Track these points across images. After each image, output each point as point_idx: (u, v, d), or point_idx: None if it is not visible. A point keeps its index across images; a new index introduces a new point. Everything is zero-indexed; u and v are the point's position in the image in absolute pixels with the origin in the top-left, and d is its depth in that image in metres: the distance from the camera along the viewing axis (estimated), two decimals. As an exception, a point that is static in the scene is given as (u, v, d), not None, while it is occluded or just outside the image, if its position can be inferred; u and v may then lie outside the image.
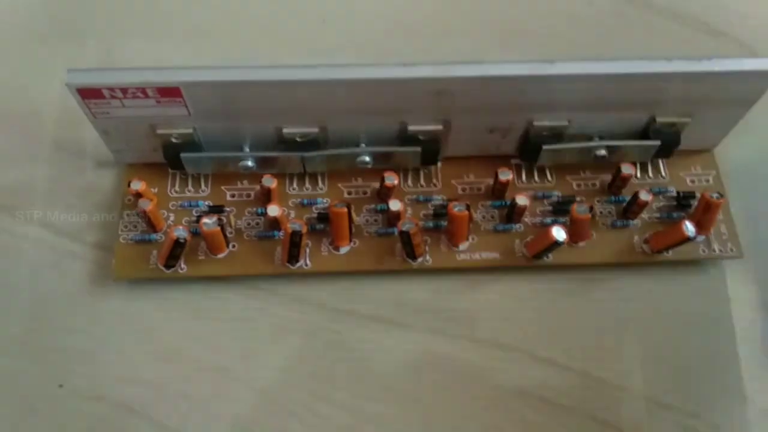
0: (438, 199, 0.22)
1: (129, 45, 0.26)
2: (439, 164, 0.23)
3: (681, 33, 0.27)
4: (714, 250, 0.21)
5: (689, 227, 0.20)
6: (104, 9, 0.27)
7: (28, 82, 0.25)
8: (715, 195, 0.20)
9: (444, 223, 0.21)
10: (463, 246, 0.21)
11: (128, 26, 0.27)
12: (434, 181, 0.22)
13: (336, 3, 0.27)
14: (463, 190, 0.22)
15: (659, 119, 0.21)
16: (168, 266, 0.20)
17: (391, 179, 0.21)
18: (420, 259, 0.21)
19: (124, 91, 0.19)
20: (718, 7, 0.27)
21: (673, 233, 0.20)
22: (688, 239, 0.20)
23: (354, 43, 0.26)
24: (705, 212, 0.21)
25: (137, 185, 0.21)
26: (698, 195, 0.21)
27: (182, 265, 0.21)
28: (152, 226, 0.21)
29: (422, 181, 0.22)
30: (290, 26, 0.27)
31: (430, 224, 0.22)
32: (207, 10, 0.27)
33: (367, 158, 0.21)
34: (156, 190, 0.22)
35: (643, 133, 0.21)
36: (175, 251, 0.20)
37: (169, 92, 0.19)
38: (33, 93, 0.25)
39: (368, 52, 0.26)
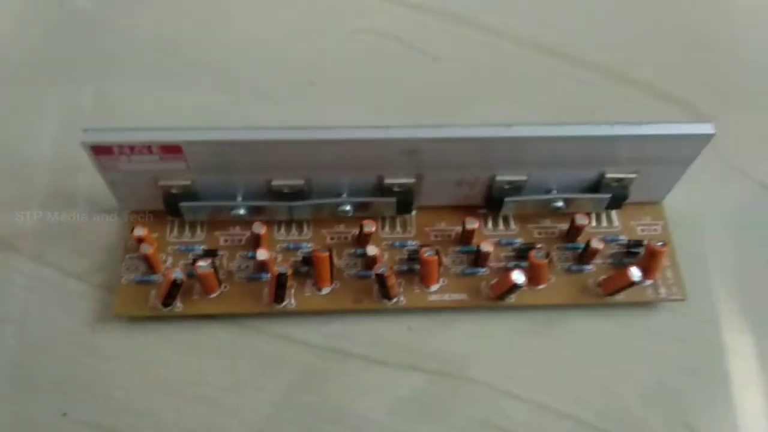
0: (412, 244, 0.24)
1: (123, 88, 0.28)
2: (414, 213, 0.25)
3: (635, 95, 0.29)
4: (660, 293, 0.24)
5: (635, 273, 0.22)
6: (98, 52, 0.30)
7: (29, 126, 0.27)
8: (658, 244, 0.23)
9: (417, 266, 0.24)
10: (434, 287, 0.24)
11: (121, 69, 0.29)
12: (409, 228, 0.25)
13: (323, 68, 0.30)
14: (435, 236, 0.25)
15: (608, 175, 0.23)
16: (165, 305, 0.23)
17: (369, 227, 0.23)
18: (394, 299, 0.23)
19: (131, 148, 0.21)
20: (667, 71, 0.30)
21: (621, 278, 0.23)
22: (633, 284, 0.22)
23: (338, 104, 0.28)
24: (650, 259, 0.23)
25: (140, 231, 0.23)
26: (645, 243, 0.24)
27: (178, 304, 0.23)
28: (152, 268, 0.23)
29: (398, 228, 0.25)
30: (280, 86, 0.29)
31: (405, 267, 0.24)
32: (200, 60, 0.30)
33: (348, 207, 0.24)
34: (156, 234, 0.24)
35: (595, 187, 0.24)
36: (173, 291, 0.22)
37: (172, 150, 0.21)
38: (37, 138, 0.27)
39: (350, 112, 0.28)
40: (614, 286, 0.23)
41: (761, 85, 0.30)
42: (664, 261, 0.24)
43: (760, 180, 0.27)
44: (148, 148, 0.21)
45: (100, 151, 0.21)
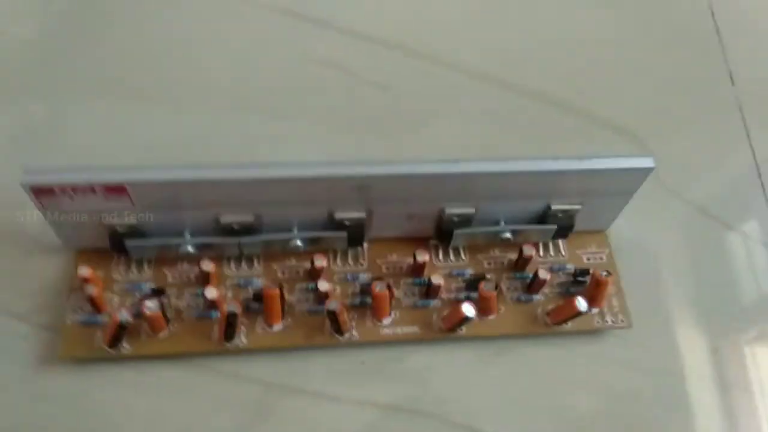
0: (364, 277, 0.24)
1: (73, 108, 0.28)
2: (366, 245, 0.25)
3: (577, 124, 0.30)
4: (606, 321, 0.24)
5: (581, 303, 0.23)
6: (48, 72, 0.29)
7: None
8: (603, 273, 0.23)
9: (369, 299, 0.24)
10: (386, 321, 0.24)
11: (72, 89, 0.29)
12: (361, 260, 0.25)
13: (277, 97, 0.30)
14: (387, 268, 0.25)
15: (554, 206, 0.24)
16: (112, 346, 0.22)
17: (321, 261, 0.23)
18: (347, 335, 0.23)
19: (73, 188, 0.20)
20: (607, 99, 0.31)
21: (568, 308, 0.23)
22: (580, 313, 0.23)
23: (288, 134, 0.28)
24: (596, 288, 0.24)
25: (84, 271, 0.22)
26: (591, 272, 0.24)
27: (125, 345, 0.22)
28: (97, 309, 0.23)
29: (350, 261, 0.25)
30: (229, 116, 0.29)
31: (357, 301, 0.24)
32: (150, 77, 0.29)
33: (299, 242, 0.23)
34: (102, 273, 0.23)
35: (542, 218, 0.24)
36: (119, 333, 0.22)
37: (116, 189, 0.21)
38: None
39: (300, 143, 0.28)
40: (562, 315, 0.24)
41: (696, 110, 0.31)
42: (610, 289, 0.24)
43: (696, 203, 0.28)
44: (91, 188, 0.21)
45: (40, 191, 0.21)
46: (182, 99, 0.29)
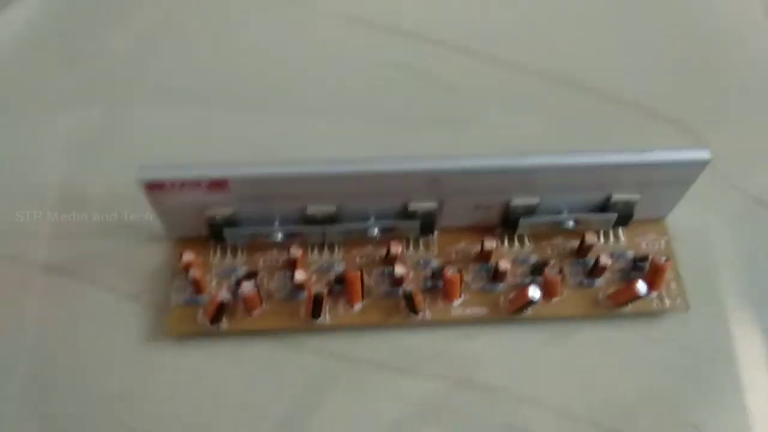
0: (435, 263, 0.26)
1: (132, 112, 0.31)
2: (436, 234, 0.27)
3: (634, 118, 0.31)
4: (665, 305, 0.26)
5: (641, 287, 0.24)
6: (109, 75, 0.32)
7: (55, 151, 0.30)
8: (662, 258, 0.25)
9: (440, 283, 0.26)
10: (456, 303, 0.26)
11: (131, 94, 0.32)
12: (432, 248, 0.27)
13: (347, 97, 0.32)
14: (456, 255, 0.27)
15: (614, 196, 0.25)
16: (212, 323, 0.25)
17: (396, 248, 0.26)
18: (420, 315, 0.25)
19: (182, 184, 0.23)
20: (667, 93, 0.32)
21: (628, 291, 0.25)
22: (640, 296, 0.24)
23: (362, 133, 0.31)
24: (655, 273, 0.25)
25: (188, 257, 0.25)
26: (650, 258, 0.26)
27: (224, 322, 0.25)
28: (199, 290, 0.25)
29: (422, 248, 0.27)
30: (307, 116, 0.31)
31: (429, 284, 0.26)
32: (219, 85, 0.32)
33: (375, 231, 0.26)
34: (201, 258, 0.26)
35: (603, 207, 0.26)
36: (219, 311, 0.24)
37: (219, 184, 0.23)
38: (77, 167, 0.29)
39: (374, 139, 0.30)
40: (622, 298, 0.25)
41: (751, 102, 0.32)
42: (668, 274, 0.26)
43: (754, 195, 0.29)
44: (197, 183, 0.23)
45: (152, 187, 0.23)
46: (254, 106, 0.32)
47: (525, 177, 0.24)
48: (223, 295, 0.24)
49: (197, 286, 0.25)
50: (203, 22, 0.34)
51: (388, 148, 0.30)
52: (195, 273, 0.25)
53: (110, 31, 0.34)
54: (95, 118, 0.31)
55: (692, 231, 0.28)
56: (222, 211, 0.25)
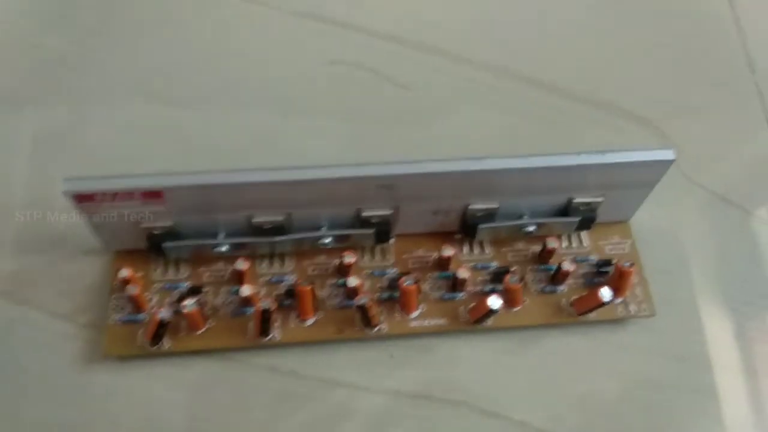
0: (392, 272, 0.25)
1: (95, 111, 0.29)
2: (392, 241, 0.26)
3: (597, 116, 0.31)
4: (630, 311, 0.25)
5: (605, 293, 0.23)
6: (70, 75, 0.30)
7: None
8: (626, 264, 0.24)
9: (397, 294, 0.24)
10: (414, 314, 0.24)
11: (93, 92, 0.30)
12: (388, 256, 0.26)
13: (300, 97, 0.30)
14: (413, 263, 0.25)
15: (576, 200, 0.24)
16: (153, 344, 0.23)
17: (350, 257, 0.24)
18: (376, 328, 0.24)
19: (113, 195, 0.21)
20: (631, 92, 0.31)
21: (592, 298, 0.24)
22: (604, 303, 0.23)
23: (314, 134, 0.29)
24: (619, 278, 0.24)
25: (125, 273, 0.23)
26: (615, 262, 0.25)
27: (166, 342, 0.23)
28: (138, 308, 0.24)
29: (377, 257, 0.26)
30: (257, 118, 0.30)
31: (385, 295, 0.25)
32: (173, 82, 0.30)
33: (328, 240, 0.24)
34: (141, 273, 0.24)
35: (565, 211, 0.25)
36: (160, 330, 0.23)
37: (153, 195, 0.22)
38: (9, 175, 0.27)
39: (326, 141, 0.29)
40: (586, 306, 0.24)
41: (715, 98, 0.31)
42: (633, 278, 0.25)
43: (718, 192, 0.29)
44: (129, 194, 0.21)
45: (82, 198, 0.21)
46: (205, 103, 0.30)
47: (483, 181, 0.23)
48: (164, 313, 0.22)
49: (136, 304, 0.23)
50: (157, 18, 0.32)
51: (343, 148, 0.29)
52: (133, 290, 0.23)
53: (62, 30, 0.31)
54: (54, 117, 0.29)
55: (657, 232, 0.27)
56: (160, 223, 0.23)
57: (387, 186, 0.23)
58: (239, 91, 0.30)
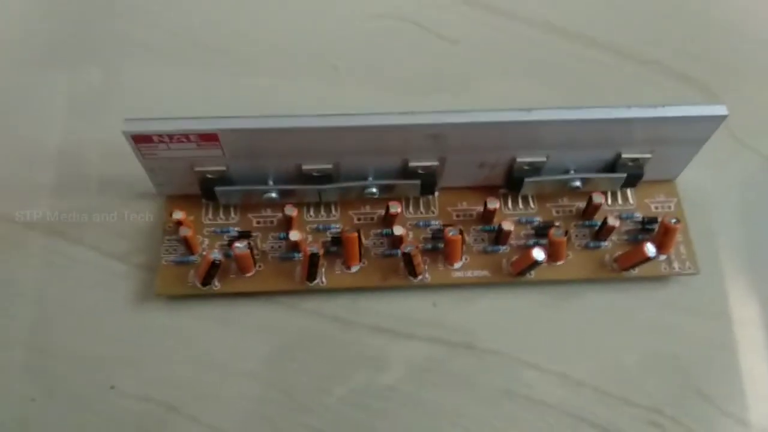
0: (436, 224, 0.25)
1: (131, 71, 0.30)
2: (437, 194, 0.26)
3: (647, 75, 0.30)
4: (674, 268, 0.25)
5: (650, 249, 0.23)
6: (106, 34, 0.31)
7: (47, 109, 0.29)
8: (672, 220, 0.24)
9: (441, 245, 0.25)
10: (457, 265, 0.25)
11: (129, 52, 0.30)
12: (432, 208, 0.26)
13: (346, 51, 0.31)
14: (458, 216, 0.26)
15: (624, 155, 0.24)
16: (204, 284, 0.24)
17: (395, 208, 0.25)
18: (420, 277, 0.24)
19: (170, 137, 0.22)
20: (681, 52, 0.31)
21: (636, 253, 0.24)
22: (649, 259, 0.23)
23: (361, 88, 0.30)
24: (665, 235, 0.24)
25: (178, 215, 0.24)
26: (660, 220, 0.25)
27: (216, 283, 0.24)
28: (190, 250, 0.24)
29: (422, 209, 0.26)
30: (303, 71, 0.30)
31: (429, 246, 0.25)
32: (217, 45, 0.31)
33: (374, 190, 0.25)
34: (192, 218, 0.25)
35: (612, 167, 0.25)
36: (211, 271, 0.23)
37: (208, 137, 0.22)
38: (60, 123, 0.28)
39: (374, 95, 0.29)
40: (630, 261, 0.24)
41: (767, 61, 0.31)
42: (678, 237, 0.25)
43: (768, 156, 0.28)
44: (186, 136, 0.22)
45: (140, 140, 0.22)
46: (248, 61, 0.30)
47: (531, 133, 0.23)
48: (216, 254, 0.23)
49: (188, 246, 0.24)
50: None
51: (387, 104, 0.29)
52: (186, 232, 0.24)
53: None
54: (94, 76, 0.30)
55: (704, 193, 0.27)
56: (213, 168, 0.24)
57: (434, 136, 0.23)
58: (283, 48, 0.31)
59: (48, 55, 0.30)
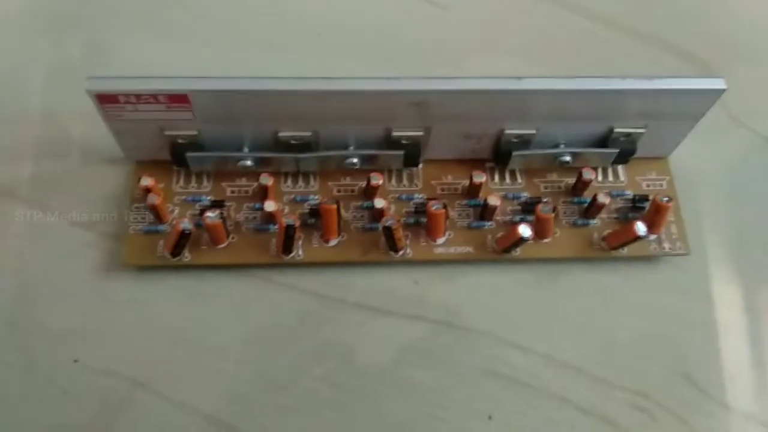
0: (419, 197, 0.24)
1: (117, 41, 0.28)
2: (421, 166, 0.25)
3: (643, 49, 0.29)
4: (664, 248, 0.24)
5: (641, 227, 0.22)
6: (90, 4, 0.29)
7: (24, 74, 0.27)
8: (664, 199, 0.23)
9: (424, 219, 0.24)
10: (440, 240, 0.24)
11: (115, 23, 0.29)
12: (416, 181, 0.25)
13: (330, 17, 0.29)
14: (442, 190, 0.25)
15: (617, 129, 0.23)
16: (174, 255, 0.23)
17: (377, 179, 0.23)
18: (401, 252, 0.23)
19: (137, 97, 0.21)
20: (678, 26, 0.30)
21: (626, 232, 0.23)
22: (639, 238, 0.22)
23: (346, 55, 0.28)
24: (656, 214, 0.23)
25: (146, 181, 0.23)
26: (651, 198, 0.24)
27: (186, 254, 0.23)
28: (159, 218, 0.23)
29: (405, 181, 0.25)
30: (286, 37, 0.29)
31: (411, 220, 0.24)
32: (200, 11, 0.29)
33: (355, 160, 0.23)
34: (162, 185, 0.24)
35: (603, 142, 0.24)
36: (181, 241, 0.22)
37: (178, 99, 0.21)
38: (32, 87, 0.27)
39: (358, 63, 0.28)
40: (619, 240, 0.23)
41: (766, 39, 0.30)
42: (669, 216, 0.24)
43: (765, 134, 0.27)
44: (154, 96, 0.21)
45: (105, 99, 0.21)
46: (235, 20, 0.29)
47: (520, 103, 0.22)
48: (186, 224, 0.22)
49: (157, 214, 0.23)
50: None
51: (372, 68, 0.27)
52: (155, 199, 0.22)
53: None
54: (75, 43, 0.28)
55: (697, 171, 0.26)
56: (185, 132, 0.22)
57: (419, 103, 0.22)
58: (267, 14, 0.29)
59: (31, 23, 0.29)
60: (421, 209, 0.24)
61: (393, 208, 0.24)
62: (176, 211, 0.24)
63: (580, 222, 0.24)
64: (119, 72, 0.26)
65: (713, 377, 0.23)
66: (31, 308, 0.23)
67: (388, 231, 0.22)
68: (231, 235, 0.23)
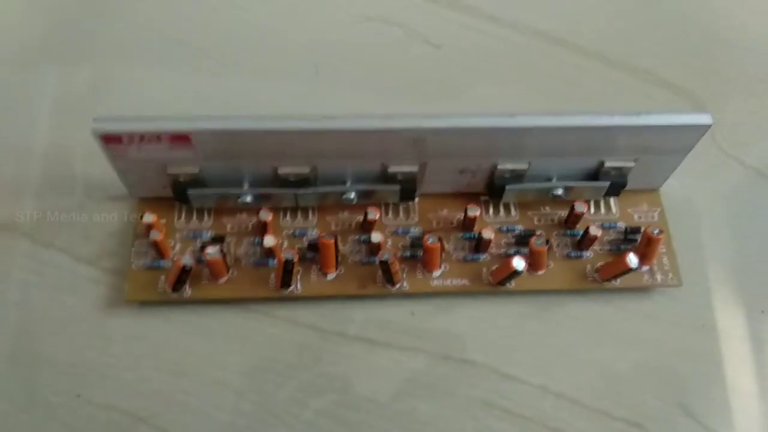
0: (415, 231, 0.25)
1: (120, 74, 0.29)
2: (417, 200, 0.25)
3: (633, 83, 0.30)
4: (656, 279, 0.24)
5: (632, 259, 0.23)
6: (98, 34, 0.30)
7: (27, 110, 0.28)
8: (656, 231, 0.23)
9: (420, 252, 0.24)
10: (436, 273, 0.24)
11: (118, 56, 0.29)
12: (412, 215, 0.25)
13: (327, 53, 0.30)
14: (438, 223, 0.25)
15: (607, 163, 0.24)
16: (175, 290, 0.23)
17: (373, 214, 0.24)
18: (398, 285, 0.24)
19: (141, 137, 0.21)
20: (669, 60, 0.31)
21: (618, 264, 0.23)
22: (631, 270, 0.23)
23: (342, 91, 0.29)
24: (647, 246, 0.24)
25: (149, 218, 0.23)
26: (643, 230, 0.24)
27: (187, 289, 0.23)
28: (161, 254, 0.24)
29: (401, 215, 0.25)
30: (285, 72, 0.29)
31: (408, 254, 0.24)
32: (201, 45, 0.30)
33: (352, 195, 0.24)
34: (164, 221, 0.24)
35: (595, 175, 0.24)
36: (182, 276, 0.23)
37: (181, 138, 0.21)
38: (36, 123, 0.27)
39: (355, 99, 0.29)
40: (612, 272, 0.24)
41: (756, 71, 0.31)
42: (661, 247, 0.24)
43: (754, 166, 0.28)
44: (157, 137, 0.21)
45: (109, 139, 0.21)
46: (233, 62, 0.30)
47: (513, 139, 0.23)
48: (186, 259, 0.22)
49: (159, 250, 0.23)
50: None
51: (368, 106, 0.28)
52: (157, 235, 0.23)
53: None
54: (78, 76, 0.29)
55: (687, 203, 0.26)
56: (186, 170, 0.23)
57: (415, 140, 0.22)
58: (267, 48, 0.30)
59: (35, 54, 0.29)
60: (417, 243, 0.24)
61: (390, 241, 0.25)
62: (178, 247, 0.24)
63: (573, 254, 0.25)
64: (123, 104, 0.27)
65: (709, 407, 0.23)
66: (33, 343, 0.23)
67: (385, 265, 0.23)
68: (231, 270, 0.24)
